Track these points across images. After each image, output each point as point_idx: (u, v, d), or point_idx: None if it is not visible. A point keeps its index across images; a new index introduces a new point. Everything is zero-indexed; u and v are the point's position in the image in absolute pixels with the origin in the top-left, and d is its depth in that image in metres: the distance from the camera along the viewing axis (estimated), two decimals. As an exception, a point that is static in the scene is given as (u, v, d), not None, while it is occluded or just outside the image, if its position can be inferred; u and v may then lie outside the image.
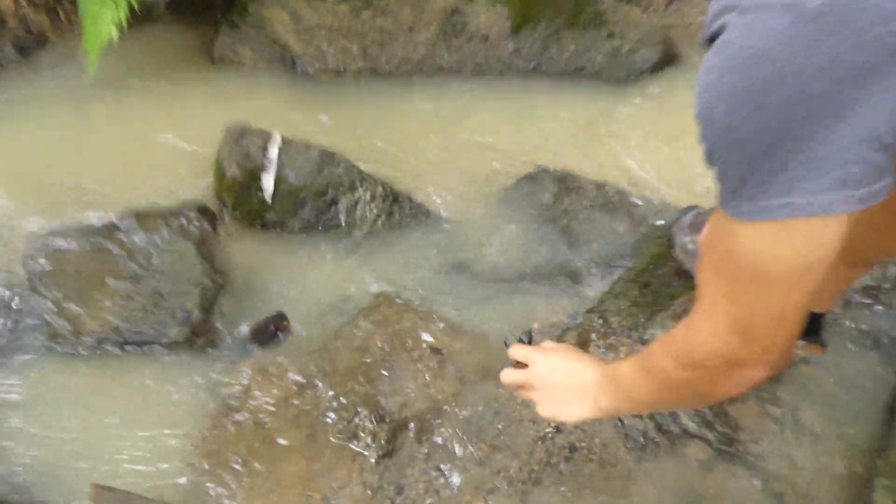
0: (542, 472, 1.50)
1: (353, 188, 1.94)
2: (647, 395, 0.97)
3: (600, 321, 1.66)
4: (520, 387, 1.14)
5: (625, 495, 1.45)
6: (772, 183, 0.65)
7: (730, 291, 0.76)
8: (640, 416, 1.54)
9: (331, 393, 1.62)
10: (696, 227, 1.64)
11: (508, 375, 1.15)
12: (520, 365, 1.15)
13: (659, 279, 1.69)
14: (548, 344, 1.18)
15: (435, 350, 1.67)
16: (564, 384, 1.09)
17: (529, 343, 1.20)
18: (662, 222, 1.85)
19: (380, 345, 1.70)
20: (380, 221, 1.92)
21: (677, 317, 1.60)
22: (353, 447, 1.54)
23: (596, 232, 1.82)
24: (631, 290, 1.69)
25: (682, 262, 1.67)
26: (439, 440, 1.55)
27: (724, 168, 0.68)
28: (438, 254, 1.86)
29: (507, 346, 1.19)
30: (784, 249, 0.69)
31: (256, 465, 1.55)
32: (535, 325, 1.61)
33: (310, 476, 1.51)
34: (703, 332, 0.82)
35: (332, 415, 1.59)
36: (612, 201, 1.89)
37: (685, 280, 1.65)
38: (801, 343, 1.49)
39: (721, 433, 1.51)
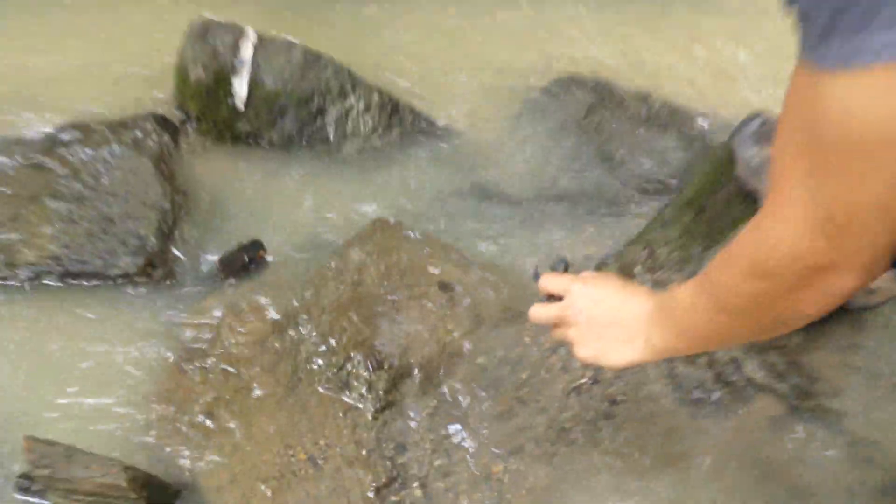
0: (575, 430, 1.36)
1: (343, 95, 1.83)
2: (708, 322, 0.88)
3: (645, 253, 1.51)
4: (553, 324, 1.06)
5: (676, 460, 1.30)
6: (874, 14, 0.57)
7: (815, 175, 0.68)
8: (697, 364, 1.37)
9: (317, 334, 1.45)
10: (762, 137, 1.48)
11: (539, 311, 1.07)
12: (552, 300, 1.06)
13: (717, 203, 1.54)
14: (587, 274, 1.09)
15: (444, 285, 1.51)
16: (609, 319, 1.01)
17: (566, 272, 1.11)
18: (716, 140, 1.67)
19: (376, 278, 1.53)
20: (376, 135, 1.80)
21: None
22: (345, 399, 1.41)
23: (639, 149, 1.71)
24: (682, 217, 1.54)
25: (745, 181, 1.51)
26: (449, 392, 1.41)
27: (810, 1, 0.60)
28: (448, 174, 1.75)
29: (536, 276, 1.10)
30: (892, 107, 0.60)
31: (226, 419, 1.40)
32: (568, 256, 1.43)
33: (292, 432, 1.37)
34: (777, 231, 0.73)
35: (318, 360, 1.44)
36: (659, 115, 1.78)
37: (749, 204, 1.49)
38: (891, 274, 1.32)
39: (795, 386, 1.38)
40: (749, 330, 0.87)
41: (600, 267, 1.55)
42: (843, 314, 1.41)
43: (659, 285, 1.48)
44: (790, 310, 0.78)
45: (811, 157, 0.67)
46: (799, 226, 0.71)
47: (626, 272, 1.51)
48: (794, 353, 1.40)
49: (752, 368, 1.39)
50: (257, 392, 1.44)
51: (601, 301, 1.01)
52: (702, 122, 1.73)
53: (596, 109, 1.81)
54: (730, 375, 1.39)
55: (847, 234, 0.68)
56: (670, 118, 1.76)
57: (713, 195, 1.56)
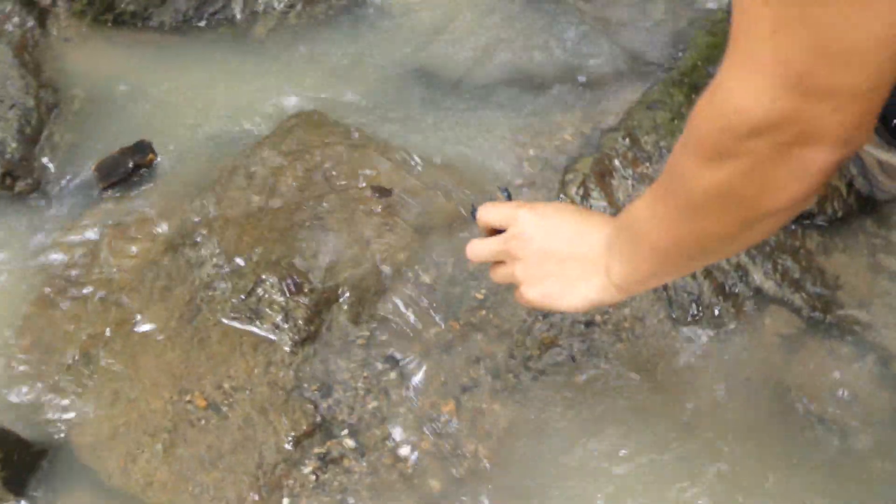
0: (542, 358, 1.26)
1: None
2: (670, 233, 0.83)
3: (627, 142, 1.39)
4: (496, 261, 1.01)
5: (669, 393, 1.19)
6: None
7: (785, 21, 0.63)
8: (693, 275, 1.24)
9: (220, 252, 1.32)
10: None
11: (477, 246, 1.02)
12: (495, 234, 1.02)
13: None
14: (536, 203, 1.04)
15: (380, 189, 1.38)
16: (563, 252, 0.96)
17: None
18: (715, 4, 1.54)
19: (294, 183, 1.39)
20: (294, 12, 1.70)
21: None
22: (256, 331, 1.28)
23: (617, 18, 1.56)
24: (673, 97, 1.44)
25: None
26: (387, 316, 1.28)
27: None
28: (383, 54, 1.62)
29: (473, 214, 1.06)
30: None
31: (106, 361, 1.27)
32: (509, 186, 1.31)
33: (188, 374, 1.25)
34: (736, 96, 0.68)
35: (221, 284, 1.30)
36: None
37: None
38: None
39: (813, 295, 1.29)
40: (718, 236, 0.80)
41: (573, 162, 1.41)
42: (868, 207, 1.29)
43: (644, 179, 1.35)
44: (761, 201, 0.74)
45: (780, 1, 0.62)
46: (763, 86, 0.66)
47: (604, 165, 1.38)
48: (812, 257, 1.29)
49: (761, 276, 1.28)
50: (144, 326, 1.31)
51: (552, 231, 0.97)
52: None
53: None
54: (734, 285, 1.28)
55: (823, 90, 0.64)
56: None
57: (710, 70, 1.47)
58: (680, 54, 1.55)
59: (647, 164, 1.37)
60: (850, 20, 0.61)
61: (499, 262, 1.02)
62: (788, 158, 0.69)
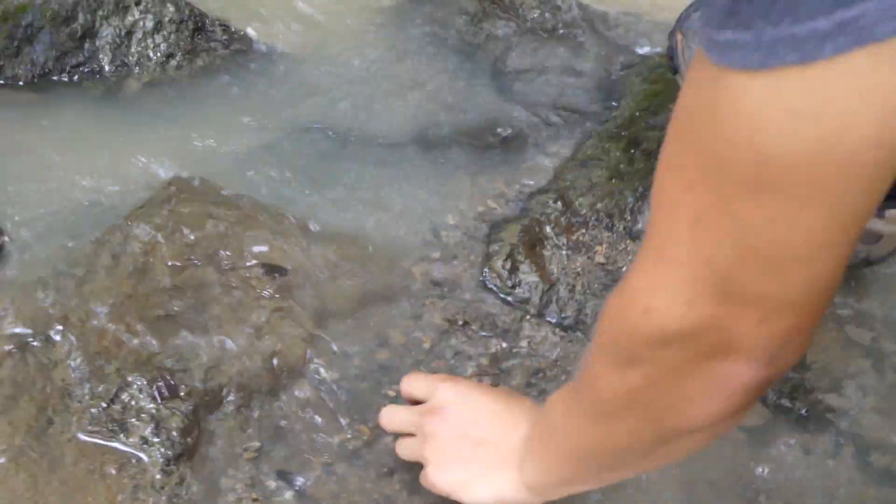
0: None
1: (123, 10, 1.61)
2: (583, 436, 0.81)
3: (559, 205, 1.34)
4: (405, 432, 1.03)
5: (624, 499, 1.08)
6: None
7: (709, 213, 0.60)
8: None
9: (77, 352, 1.21)
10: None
11: (390, 414, 1.06)
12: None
13: (656, 132, 1.39)
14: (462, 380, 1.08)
15: (272, 268, 1.31)
16: (478, 435, 0.95)
17: None
18: (651, 50, 1.50)
19: (171, 263, 1.26)
20: (173, 63, 1.62)
21: (690, 190, 1.22)
22: (120, 447, 1.14)
23: (546, 68, 1.53)
24: (609, 152, 1.42)
25: None
26: (282, 423, 1.17)
27: None
28: (278, 112, 1.52)
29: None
30: (841, 117, 0.52)
31: None
32: (435, 255, 1.25)
33: (35, 501, 1.10)
34: (646, 296, 0.65)
35: (78, 391, 1.18)
36: (570, 22, 1.60)
37: None
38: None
39: (780, 380, 1.19)
40: (630, 448, 0.77)
41: (498, 229, 1.31)
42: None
43: (581, 249, 1.26)
44: (671, 416, 0.69)
45: (706, 190, 0.59)
46: (678, 286, 0.62)
47: (534, 232, 1.30)
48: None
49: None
50: None
51: (471, 412, 0.96)
52: (629, 27, 1.52)
53: (483, 17, 1.66)
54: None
55: (749, 297, 0.60)
56: (583, 25, 1.64)
57: (650, 122, 1.44)
58: (615, 104, 1.51)
59: (584, 231, 1.30)
60: (784, 220, 0.57)
61: (409, 435, 1.02)
62: (703, 371, 0.65)
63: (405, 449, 1.03)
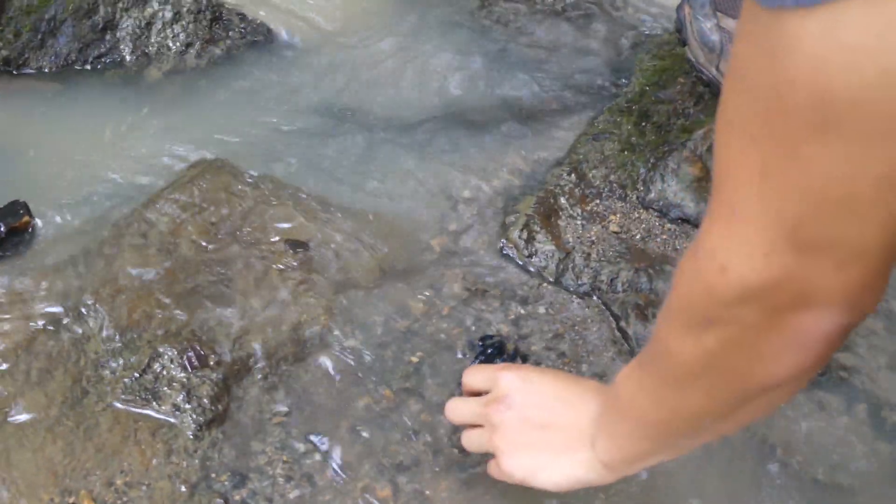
0: None
1: (142, 2, 1.67)
2: (657, 406, 0.81)
3: (572, 177, 1.36)
4: (472, 424, 1.01)
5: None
6: None
7: (777, 164, 0.58)
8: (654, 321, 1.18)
9: (109, 326, 1.24)
10: (724, 2, 1.30)
11: (456, 407, 1.04)
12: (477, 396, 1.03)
13: (665, 105, 1.43)
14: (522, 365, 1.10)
15: (295, 243, 1.33)
16: (544, 420, 0.94)
17: (499, 354, 1.14)
18: (658, 27, 1.53)
19: (197, 241, 1.31)
20: (192, 53, 1.66)
21: (698, 159, 1.26)
22: (153, 414, 1.18)
23: (556, 47, 1.55)
24: (621, 126, 1.45)
25: (700, 65, 1.35)
26: (308, 388, 1.21)
27: None
28: (298, 96, 1.56)
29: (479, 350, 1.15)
30: (887, 52, 0.51)
31: None
32: (453, 227, 1.27)
33: (73, 470, 1.14)
34: (721, 255, 0.64)
35: (111, 362, 1.22)
36: (579, 3, 1.62)
37: (709, 101, 1.33)
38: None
39: None
40: (709, 413, 0.77)
41: (513, 203, 1.35)
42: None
43: (595, 218, 1.29)
44: (754, 374, 0.69)
45: (770, 138, 0.57)
46: (752, 240, 0.61)
47: (549, 204, 1.34)
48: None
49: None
50: (21, 416, 1.20)
51: (536, 397, 0.95)
52: (637, 7, 1.55)
53: (494, 0, 1.68)
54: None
55: (823, 245, 0.59)
56: (591, 6, 1.67)
57: (660, 95, 1.48)
58: (624, 80, 1.54)
59: (597, 201, 1.33)
60: (852, 160, 0.55)
61: (475, 426, 1.00)
62: (783, 325, 0.64)
63: (472, 440, 1.01)
